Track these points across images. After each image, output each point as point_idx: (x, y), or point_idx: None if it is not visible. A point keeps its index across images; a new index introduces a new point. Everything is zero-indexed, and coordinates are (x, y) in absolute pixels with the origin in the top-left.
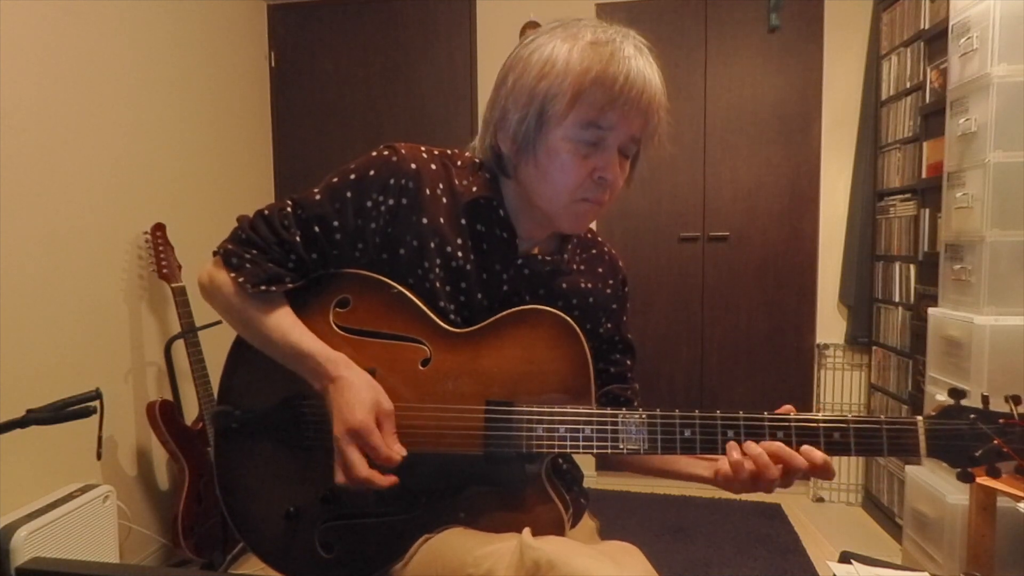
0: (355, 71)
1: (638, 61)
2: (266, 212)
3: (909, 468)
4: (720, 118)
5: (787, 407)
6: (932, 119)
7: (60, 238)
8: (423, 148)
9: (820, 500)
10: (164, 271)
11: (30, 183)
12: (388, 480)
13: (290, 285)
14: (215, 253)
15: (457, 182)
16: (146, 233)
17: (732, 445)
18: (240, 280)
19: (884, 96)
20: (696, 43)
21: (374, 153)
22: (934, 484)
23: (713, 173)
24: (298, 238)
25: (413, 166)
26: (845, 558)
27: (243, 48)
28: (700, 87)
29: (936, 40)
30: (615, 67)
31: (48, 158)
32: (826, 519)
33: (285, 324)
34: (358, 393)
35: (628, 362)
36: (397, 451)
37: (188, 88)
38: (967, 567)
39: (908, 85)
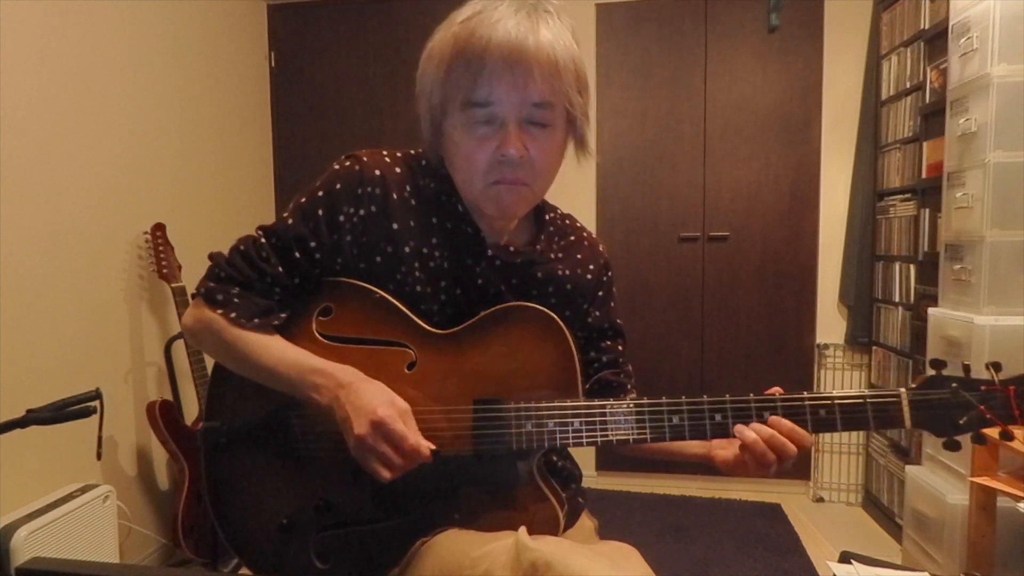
0: (355, 71)
1: (508, 22)
2: (241, 247)
3: (909, 468)
4: (720, 118)
5: (775, 389)
6: (932, 119)
7: (60, 238)
8: (385, 152)
9: (820, 500)
10: (164, 271)
11: (30, 183)
12: (427, 453)
13: (283, 316)
14: (194, 295)
15: (421, 182)
16: (146, 233)
17: (741, 428)
18: (232, 316)
19: (884, 96)
20: (696, 43)
21: (336, 166)
22: (934, 484)
23: (713, 173)
24: (280, 268)
25: (377, 172)
26: (845, 558)
27: (243, 48)
28: (700, 87)
29: (936, 40)
30: (475, 39)
31: (48, 158)
32: (826, 519)
33: (281, 347)
34: (374, 393)
35: (620, 347)
36: (425, 444)
37: (188, 88)
38: (967, 567)
39: (908, 85)
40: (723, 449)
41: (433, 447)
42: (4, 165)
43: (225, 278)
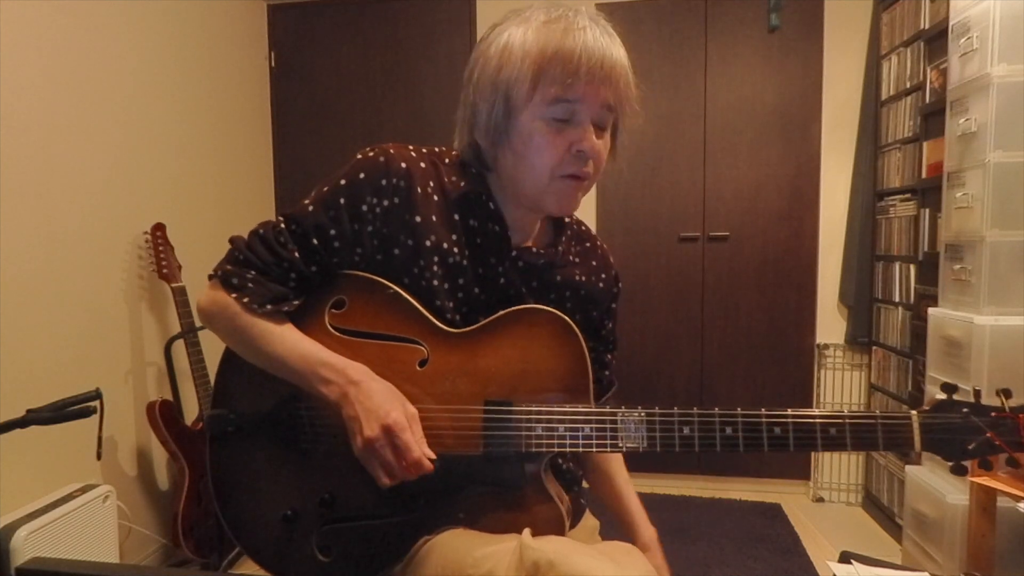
0: (355, 71)
1: (593, 31)
2: (261, 232)
3: (909, 468)
4: (720, 118)
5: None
6: (932, 119)
7: (60, 238)
8: (411, 147)
9: (820, 500)
10: (164, 271)
11: (30, 183)
12: (428, 465)
13: (296, 303)
14: (211, 276)
15: (446, 179)
16: (146, 233)
17: None
18: (245, 300)
19: (884, 96)
20: (696, 43)
21: (361, 156)
22: (934, 484)
23: (713, 173)
24: (297, 254)
25: (403, 165)
26: (845, 558)
27: (243, 48)
28: (700, 87)
29: (936, 40)
30: (571, 40)
31: (48, 158)
32: (826, 519)
33: (293, 337)
34: (385, 396)
35: (607, 357)
36: (428, 452)
37: (188, 88)
38: (967, 567)
39: (908, 85)
40: (643, 544)
41: (433, 456)
42: (4, 165)
43: (243, 261)
